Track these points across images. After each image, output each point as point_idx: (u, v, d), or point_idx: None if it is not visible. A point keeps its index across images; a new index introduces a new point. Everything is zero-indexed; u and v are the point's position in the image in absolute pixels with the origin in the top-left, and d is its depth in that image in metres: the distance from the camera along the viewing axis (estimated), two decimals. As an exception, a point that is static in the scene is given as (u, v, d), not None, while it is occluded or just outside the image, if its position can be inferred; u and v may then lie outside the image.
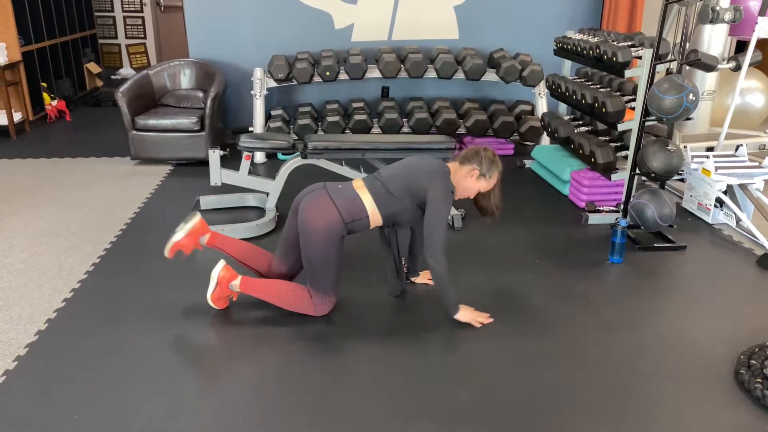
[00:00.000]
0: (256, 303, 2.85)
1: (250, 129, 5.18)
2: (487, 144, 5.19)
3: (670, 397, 2.30)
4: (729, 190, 3.88)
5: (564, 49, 4.60)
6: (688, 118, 3.96)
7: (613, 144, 4.07)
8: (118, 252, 3.42)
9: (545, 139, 5.23)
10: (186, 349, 2.54)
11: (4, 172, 4.78)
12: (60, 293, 2.97)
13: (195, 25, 5.37)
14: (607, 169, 3.92)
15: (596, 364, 2.48)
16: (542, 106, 5.21)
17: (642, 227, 3.57)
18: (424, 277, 3.10)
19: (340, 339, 2.62)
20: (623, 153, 3.96)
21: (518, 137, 5.22)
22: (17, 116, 5.87)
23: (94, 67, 7.78)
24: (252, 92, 5.04)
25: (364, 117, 5.09)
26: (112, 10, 8.73)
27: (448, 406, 2.22)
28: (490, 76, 5.11)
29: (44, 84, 6.45)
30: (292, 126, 5.09)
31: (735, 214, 3.76)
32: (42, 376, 2.35)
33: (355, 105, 5.31)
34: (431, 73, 5.10)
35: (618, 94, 3.96)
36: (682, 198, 4.25)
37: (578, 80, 4.50)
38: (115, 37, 8.85)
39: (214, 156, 3.70)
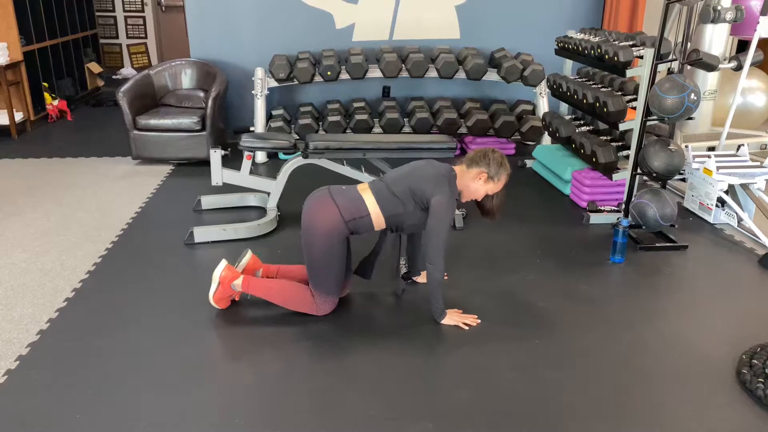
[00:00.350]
0: (257, 303, 2.85)
1: (251, 129, 5.18)
2: (489, 144, 5.19)
3: (672, 397, 2.30)
4: (730, 190, 3.87)
5: (565, 49, 4.59)
6: (690, 118, 3.95)
7: (614, 144, 4.07)
8: (120, 251, 3.42)
9: (546, 139, 5.22)
10: (187, 348, 2.54)
11: (5, 171, 4.79)
12: (62, 293, 2.98)
13: (196, 24, 5.37)
14: (609, 169, 3.92)
15: (597, 364, 2.48)
16: (543, 105, 5.21)
17: (643, 227, 3.57)
18: (425, 277, 3.09)
19: (341, 339, 2.62)
20: (624, 153, 3.95)
21: (519, 137, 5.21)
22: (18, 116, 5.88)
23: (95, 67, 7.78)
24: (253, 92, 5.04)
25: (365, 117, 5.09)
26: (113, 10, 8.74)
27: (448, 406, 2.22)
28: (492, 75, 5.11)
29: (45, 84, 6.45)
30: (293, 126, 5.09)
31: (737, 213, 3.76)
32: (44, 375, 2.35)
33: (356, 105, 5.31)
34: (432, 73, 5.10)
35: (619, 93, 3.95)
36: (683, 198, 4.24)
37: (579, 80, 4.50)
38: (116, 37, 8.85)
39: (216, 156, 3.71)
